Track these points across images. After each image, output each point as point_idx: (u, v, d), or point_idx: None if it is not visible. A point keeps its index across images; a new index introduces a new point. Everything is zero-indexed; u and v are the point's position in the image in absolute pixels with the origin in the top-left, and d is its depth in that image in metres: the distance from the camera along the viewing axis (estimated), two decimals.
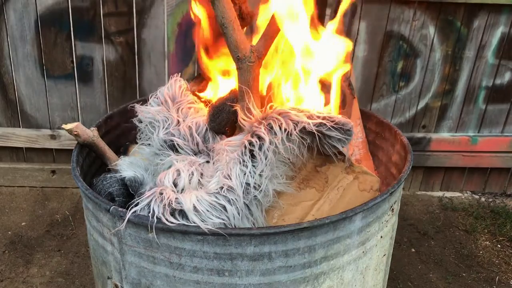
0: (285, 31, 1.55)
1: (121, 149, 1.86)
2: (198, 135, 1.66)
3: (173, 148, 1.65)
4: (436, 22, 2.86)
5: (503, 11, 2.84)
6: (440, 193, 3.31)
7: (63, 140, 3.04)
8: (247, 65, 1.53)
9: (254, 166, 1.39)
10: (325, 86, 1.71)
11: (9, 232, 2.76)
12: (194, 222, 1.29)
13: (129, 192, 1.53)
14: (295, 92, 1.71)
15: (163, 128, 1.68)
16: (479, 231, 2.90)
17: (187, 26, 2.82)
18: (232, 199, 1.36)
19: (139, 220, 1.31)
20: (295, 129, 1.42)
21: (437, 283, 2.51)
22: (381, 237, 1.53)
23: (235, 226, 1.36)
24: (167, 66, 2.92)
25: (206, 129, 1.67)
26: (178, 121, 1.69)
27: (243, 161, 1.40)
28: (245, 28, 1.72)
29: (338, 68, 1.68)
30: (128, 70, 2.92)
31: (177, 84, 1.78)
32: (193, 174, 1.46)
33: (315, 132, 1.44)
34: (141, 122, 1.77)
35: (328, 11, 2.77)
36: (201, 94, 1.85)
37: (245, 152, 1.41)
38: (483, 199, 3.26)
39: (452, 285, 2.51)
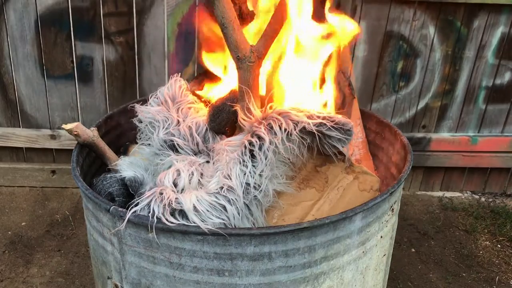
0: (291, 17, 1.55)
1: (121, 149, 1.86)
2: (198, 135, 1.66)
3: (173, 148, 1.65)
4: (436, 22, 2.86)
5: (503, 11, 2.84)
6: (440, 193, 3.30)
7: (63, 140, 3.04)
8: (247, 65, 1.53)
9: (254, 166, 1.39)
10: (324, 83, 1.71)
11: (9, 232, 2.75)
12: (194, 222, 1.29)
13: (129, 192, 1.53)
14: (295, 92, 1.70)
15: (163, 128, 1.68)
16: (479, 231, 2.90)
17: (187, 26, 2.82)
18: (232, 199, 1.36)
19: (139, 220, 1.31)
20: (295, 129, 1.42)
21: (437, 283, 2.51)
22: (381, 237, 1.52)
23: (235, 226, 1.36)
24: (167, 66, 2.92)
25: (206, 129, 1.67)
26: (178, 121, 1.69)
27: (243, 161, 1.40)
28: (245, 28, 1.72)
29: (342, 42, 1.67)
30: (128, 70, 2.91)
31: (177, 84, 1.78)
32: (193, 174, 1.46)
33: (315, 132, 1.44)
34: (141, 122, 1.77)
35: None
36: (201, 94, 1.85)
37: (245, 152, 1.41)
38: (483, 199, 3.26)
39: (452, 285, 2.51)
